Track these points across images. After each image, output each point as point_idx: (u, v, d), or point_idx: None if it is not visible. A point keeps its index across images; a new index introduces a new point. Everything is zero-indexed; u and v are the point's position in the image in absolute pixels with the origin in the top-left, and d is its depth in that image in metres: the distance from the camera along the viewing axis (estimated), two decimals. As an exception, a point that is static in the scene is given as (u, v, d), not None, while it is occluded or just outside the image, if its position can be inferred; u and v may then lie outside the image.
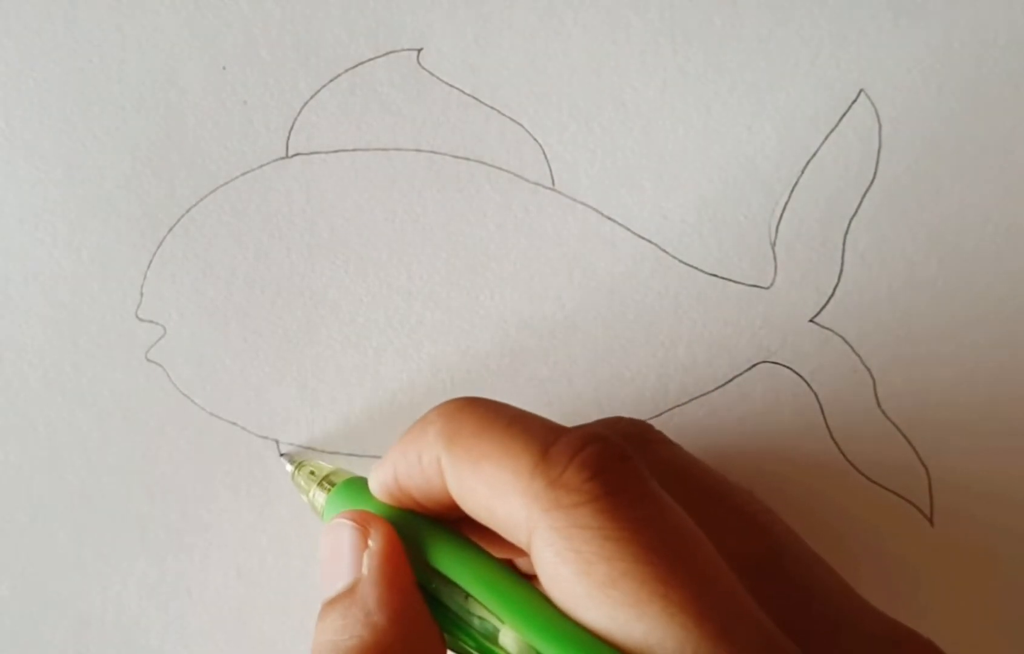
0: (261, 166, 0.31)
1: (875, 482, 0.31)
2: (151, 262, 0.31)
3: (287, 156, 0.31)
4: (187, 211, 0.31)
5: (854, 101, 0.31)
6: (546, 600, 0.20)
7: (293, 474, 0.30)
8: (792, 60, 0.31)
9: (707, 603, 0.18)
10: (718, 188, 0.31)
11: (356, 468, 0.31)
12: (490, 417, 0.21)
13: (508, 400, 0.31)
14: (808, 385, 0.31)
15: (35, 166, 0.31)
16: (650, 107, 0.31)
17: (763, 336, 0.31)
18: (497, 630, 0.20)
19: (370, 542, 0.22)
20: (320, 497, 0.27)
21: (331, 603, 0.22)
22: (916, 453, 0.31)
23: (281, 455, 0.31)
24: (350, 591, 0.22)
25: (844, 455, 0.31)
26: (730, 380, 0.31)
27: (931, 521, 0.31)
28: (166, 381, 0.31)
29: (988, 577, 0.31)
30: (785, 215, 0.31)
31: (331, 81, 0.31)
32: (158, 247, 0.31)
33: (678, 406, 0.31)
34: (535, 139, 0.31)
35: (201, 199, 0.31)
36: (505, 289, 0.31)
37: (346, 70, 0.31)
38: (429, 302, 0.31)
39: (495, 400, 0.22)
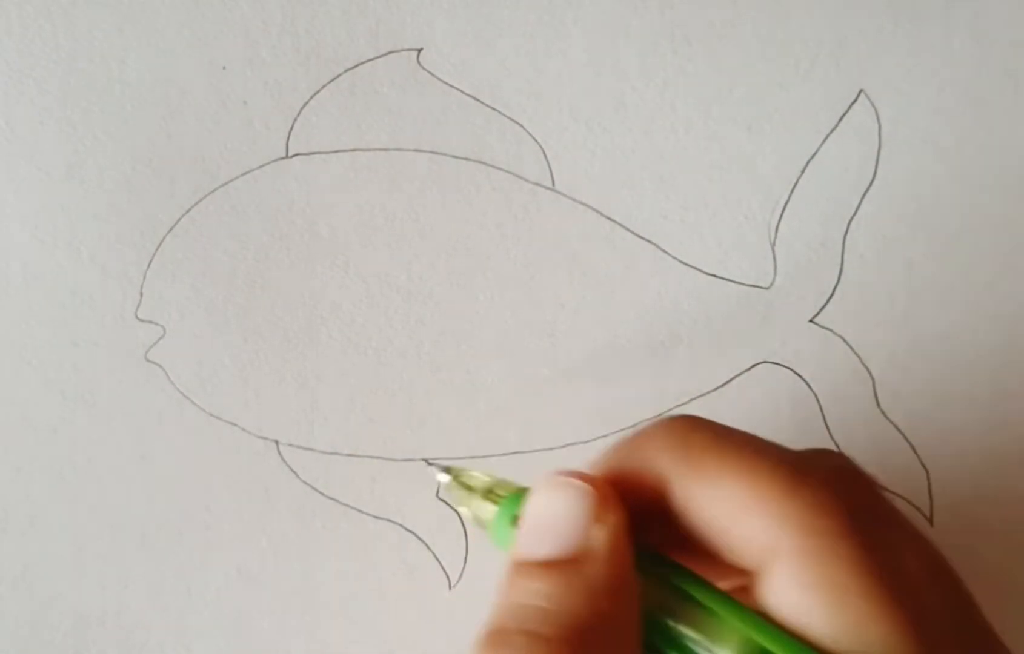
0: (261, 166, 0.31)
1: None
2: (151, 262, 0.31)
3: (287, 156, 0.31)
4: (187, 211, 0.31)
5: (854, 101, 0.31)
6: (773, 622, 0.19)
7: (449, 485, 0.28)
8: (792, 60, 0.31)
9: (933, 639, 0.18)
10: (718, 188, 0.31)
11: (355, 468, 0.31)
12: (726, 437, 0.21)
13: (508, 401, 0.31)
14: (808, 385, 0.31)
15: (35, 166, 0.31)
16: (650, 107, 0.31)
17: (763, 336, 0.31)
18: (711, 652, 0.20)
19: (610, 516, 0.21)
20: (486, 509, 0.25)
21: (546, 567, 0.20)
22: (916, 453, 0.31)
23: (429, 464, 0.30)
24: (574, 560, 0.20)
25: (844, 455, 0.31)
26: (730, 380, 0.31)
27: (931, 521, 0.31)
28: (166, 381, 0.31)
29: (988, 577, 0.31)
30: (785, 215, 0.31)
31: (331, 81, 0.31)
32: (158, 247, 0.31)
33: (678, 406, 0.31)
34: (535, 139, 0.31)
35: (201, 199, 0.31)
36: (505, 289, 0.31)
37: (346, 70, 0.31)
38: (429, 302, 0.31)
39: (721, 423, 0.21)
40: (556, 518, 0.21)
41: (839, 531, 0.19)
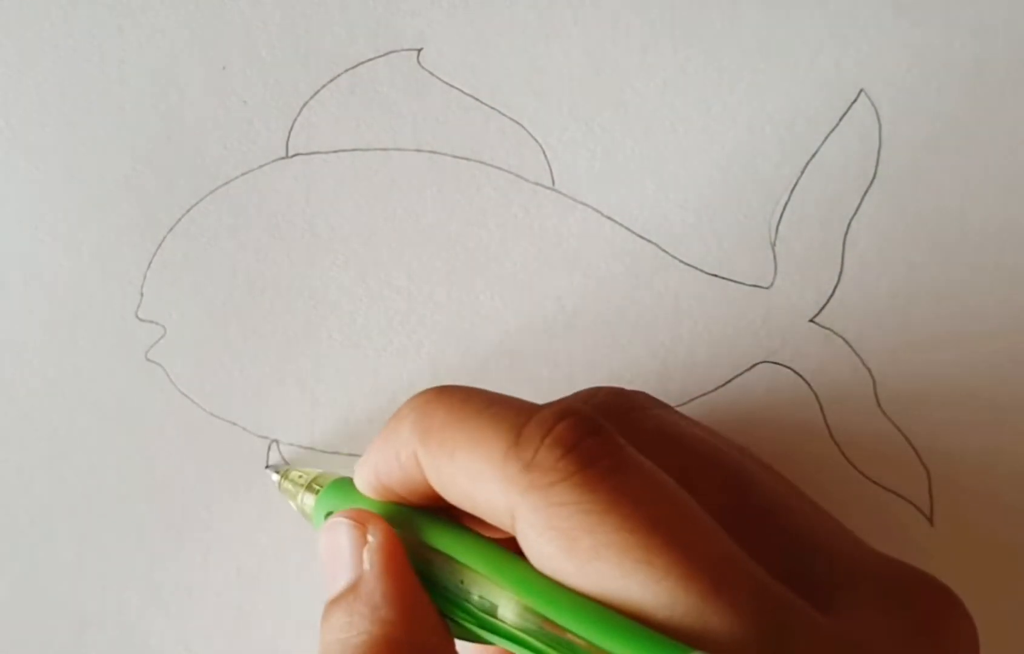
0: (261, 166, 0.31)
1: (875, 482, 0.31)
2: (151, 262, 0.31)
3: (287, 156, 0.31)
4: (187, 211, 0.31)
5: (854, 101, 0.31)
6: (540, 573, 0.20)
7: (280, 483, 0.30)
8: (792, 60, 0.31)
9: (693, 562, 0.18)
10: (718, 188, 0.31)
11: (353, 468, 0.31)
12: (461, 405, 0.21)
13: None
14: (808, 385, 0.31)
15: (35, 166, 0.31)
16: (650, 107, 0.31)
17: (763, 336, 0.31)
18: (496, 604, 0.21)
19: (369, 537, 0.22)
20: (309, 501, 0.27)
21: (335, 602, 0.22)
22: (916, 453, 0.31)
23: (267, 467, 0.31)
24: (353, 588, 0.22)
25: (844, 455, 0.31)
26: (730, 380, 0.31)
27: (931, 521, 0.31)
28: (166, 381, 0.31)
29: (988, 577, 0.31)
30: (785, 215, 0.31)
31: (331, 81, 0.31)
32: (158, 247, 0.31)
33: (678, 406, 0.31)
34: (535, 139, 0.31)
35: (201, 199, 0.31)
36: (505, 289, 0.31)
37: (346, 70, 0.31)
38: (429, 302, 0.31)
39: (467, 386, 0.22)
40: (336, 553, 0.23)
41: (556, 479, 0.19)
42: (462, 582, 0.21)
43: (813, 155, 0.31)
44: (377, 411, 0.31)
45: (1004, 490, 0.31)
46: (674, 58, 0.31)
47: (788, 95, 0.31)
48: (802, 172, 0.31)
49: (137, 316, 0.31)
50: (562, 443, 0.20)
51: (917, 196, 0.31)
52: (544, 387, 0.31)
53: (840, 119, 0.31)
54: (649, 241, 0.31)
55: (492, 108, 0.31)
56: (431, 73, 0.31)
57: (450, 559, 0.22)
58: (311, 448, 0.31)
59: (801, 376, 0.31)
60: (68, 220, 0.31)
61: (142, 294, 0.31)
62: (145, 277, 0.31)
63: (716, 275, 0.31)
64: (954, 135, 0.31)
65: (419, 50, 0.31)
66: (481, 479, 0.20)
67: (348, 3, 0.31)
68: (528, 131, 0.31)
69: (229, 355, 0.31)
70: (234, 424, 0.31)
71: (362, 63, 0.31)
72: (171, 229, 0.31)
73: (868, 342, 0.31)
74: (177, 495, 0.31)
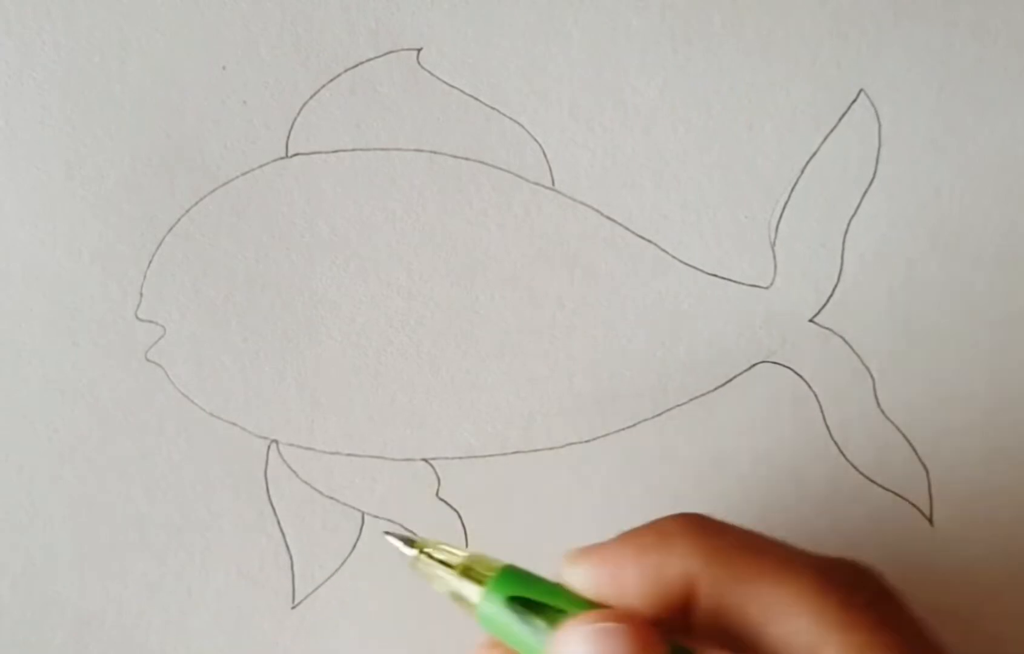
0: (261, 166, 0.31)
1: (875, 482, 0.31)
2: (151, 262, 0.31)
3: (287, 156, 0.31)
4: (187, 211, 0.31)
5: (854, 101, 0.31)
6: None
7: (416, 561, 0.25)
8: (792, 60, 0.31)
9: None
10: (718, 188, 0.31)
11: (355, 468, 0.31)
12: (750, 538, 0.21)
13: (508, 401, 0.31)
14: (808, 385, 0.31)
15: (35, 166, 0.31)
16: (650, 107, 0.31)
17: (763, 336, 0.31)
18: None
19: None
20: (470, 591, 0.24)
21: None
22: (916, 453, 0.31)
23: (386, 534, 0.26)
24: None
25: (844, 455, 0.31)
26: (730, 380, 0.31)
27: (931, 521, 0.31)
28: (166, 381, 0.31)
29: (988, 577, 0.30)
30: (785, 215, 0.31)
31: (331, 81, 0.31)
32: (158, 247, 0.31)
33: (678, 406, 0.31)
34: (535, 139, 0.31)
35: (201, 199, 0.31)
36: (505, 289, 0.31)
37: (346, 70, 0.31)
38: (429, 302, 0.31)
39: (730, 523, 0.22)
40: None
41: (876, 624, 0.20)
42: None
43: (813, 155, 0.31)
44: (377, 411, 0.31)
45: (1004, 490, 0.31)
46: (674, 58, 0.31)
47: (788, 95, 0.31)
48: (802, 172, 0.31)
49: (137, 316, 0.31)
50: (869, 590, 0.20)
51: (917, 196, 0.31)
52: (544, 387, 0.31)
53: (840, 119, 0.31)
54: (649, 241, 0.31)
55: (492, 108, 0.31)
56: (431, 73, 0.31)
57: None
58: (311, 448, 0.31)
59: (801, 376, 0.31)
60: (68, 220, 0.31)
61: (142, 294, 0.31)
62: (145, 277, 0.31)
63: (716, 275, 0.31)
64: (954, 135, 0.31)
65: (419, 50, 0.31)
66: (785, 612, 0.20)
67: (348, 3, 0.31)
68: (528, 131, 0.31)
69: (229, 355, 0.31)
70: (234, 424, 0.31)
71: (362, 63, 0.31)
72: (171, 229, 0.31)
73: (868, 342, 0.31)
74: (177, 495, 0.31)
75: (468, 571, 0.24)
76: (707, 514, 0.22)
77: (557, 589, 0.22)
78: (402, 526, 0.31)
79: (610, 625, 0.20)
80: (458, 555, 0.24)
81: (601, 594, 0.22)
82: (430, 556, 0.25)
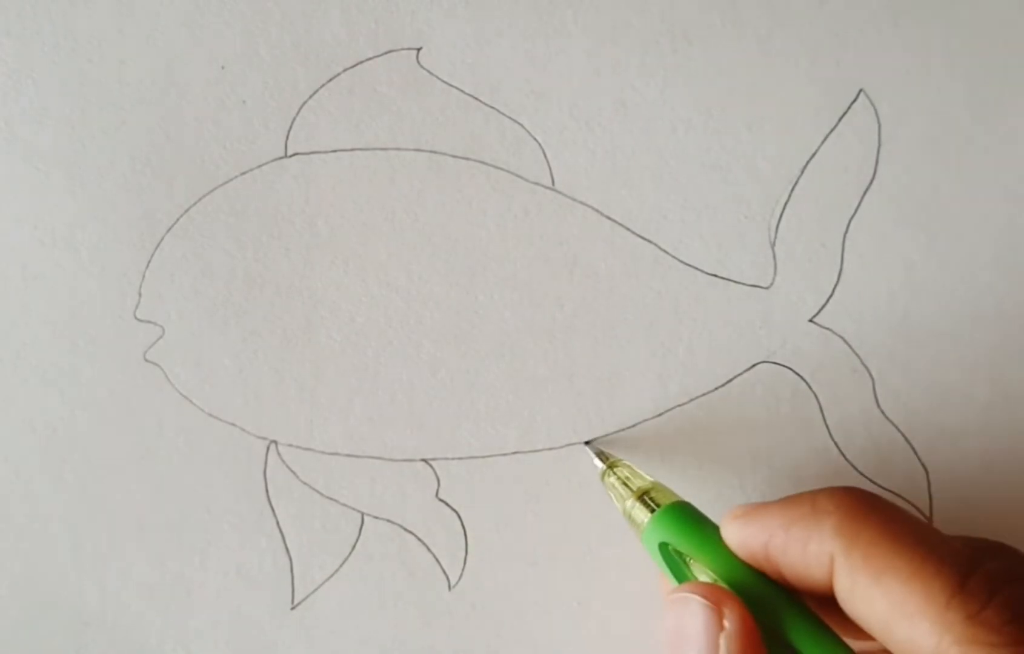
0: (260, 166, 0.31)
1: (875, 482, 0.31)
2: (150, 262, 0.31)
3: (286, 156, 0.31)
4: (186, 211, 0.31)
5: (854, 101, 0.31)
6: None
7: (604, 473, 0.29)
8: (792, 60, 0.31)
9: None
10: (718, 188, 0.31)
11: (355, 468, 0.31)
12: (896, 528, 0.21)
13: (508, 401, 0.31)
14: (808, 385, 0.31)
15: (35, 166, 0.31)
16: (650, 107, 0.31)
17: (763, 336, 0.31)
18: None
19: (726, 622, 0.22)
20: (640, 515, 0.26)
21: None
22: (916, 453, 0.31)
23: (586, 444, 0.30)
24: None
25: (844, 455, 0.31)
26: (730, 380, 0.31)
27: (931, 521, 0.31)
28: (165, 381, 0.31)
29: (988, 577, 0.30)
30: (785, 215, 0.31)
31: (330, 81, 0.31)
32: (157, 247, 0.31)
33: (678, 406, 0.31)
34: (535, 139, 0.31)
35: (200, 199, 0.31)
36: (505, 289, 0.31)
37: (346, 70, 0.31)
38: (429, 302, 0.31)
39: (896, 505, 0.22)
40: (685, 635, 0.22)
41: (1002, 643, 0.19)
42: None
43: (813, 155, 0.31)
44: (377, 411, 0.31)
45: (1003, 490, 0.31)
46: (674, 58, 0.31)
47: (788, 95, 0.31)
48: (802, 172, 0.31)
49: (136, 316, 0.31)
50: (1011, 607, 0.19)
51: (917, 196, 0.31)
52: (544, 387, 0.31)
53: (840, 119, 0.31)
54: (649, 241, 0.31)
55: (492, 108, 0.31)
56: (431, 73, 0.31)
57: None
58: (310, 448, 0.31)
59: (801, 376, 0.31)
60: (68, 220, 0.31)
61: (141, 294, 0.31)
62: (144, 277, 0.31)
63: (716, 275, 0.31)
64: (954, 135, 0.31)
65: (419, 50, 0.31)
66: (910, 614, 0.20)
67: (347, 3, 0.31)
68: (528, 131, 0.31)
69: (228, 355, 0.31)
70: (233, 424, 0.31)
71: (362, 63, 0.31)
72: (170, 229, 0.31)
73: (868, 342, 0.31)
74: (177, 495, 0.31)
75: (644, 496, 0.26)
76: (876, 495, 0.22)
77: (710, 541, 0.24)
78: (402, 526, 0.31)
79: (687, 594, 0.22)
80: (635, 483, 0.27)
81: (751, 556, 0.23)
82: (616, 476, 0.28)
